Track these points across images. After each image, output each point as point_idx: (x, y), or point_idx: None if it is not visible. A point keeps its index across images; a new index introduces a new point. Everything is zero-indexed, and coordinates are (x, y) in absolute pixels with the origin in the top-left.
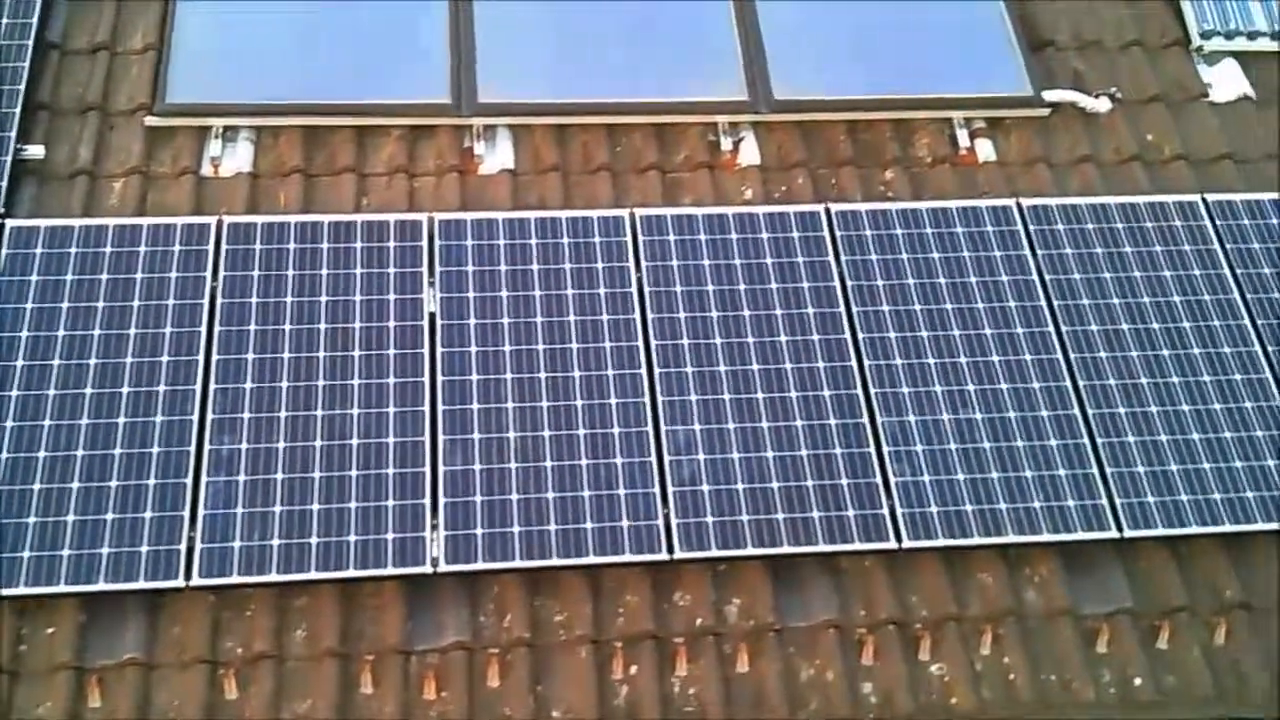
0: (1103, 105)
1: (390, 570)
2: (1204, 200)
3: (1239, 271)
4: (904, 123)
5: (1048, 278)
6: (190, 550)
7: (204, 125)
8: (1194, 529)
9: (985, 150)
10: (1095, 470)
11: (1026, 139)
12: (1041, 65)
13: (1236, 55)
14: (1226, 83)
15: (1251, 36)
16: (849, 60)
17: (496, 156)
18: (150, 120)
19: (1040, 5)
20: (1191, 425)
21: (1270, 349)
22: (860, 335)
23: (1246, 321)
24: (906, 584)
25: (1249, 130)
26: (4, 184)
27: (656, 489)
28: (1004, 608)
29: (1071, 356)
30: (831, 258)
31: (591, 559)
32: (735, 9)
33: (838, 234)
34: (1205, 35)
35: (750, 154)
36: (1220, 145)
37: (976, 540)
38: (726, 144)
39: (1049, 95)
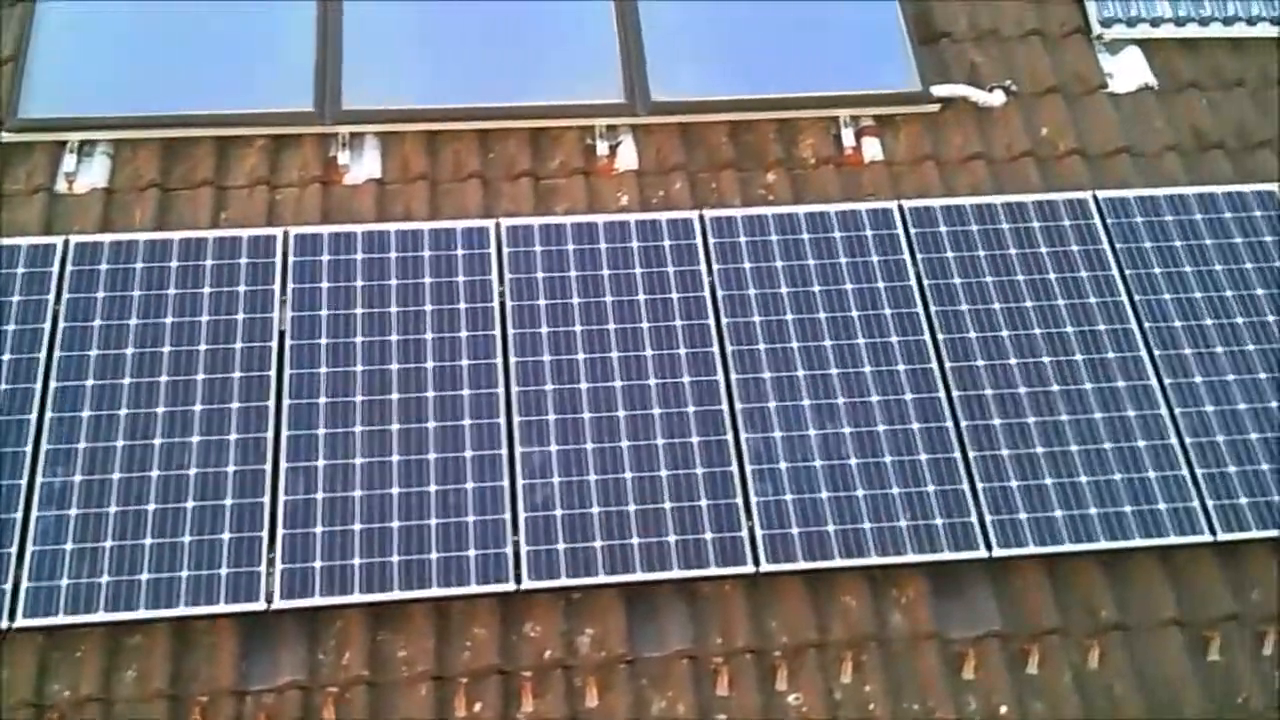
0: (997, 99)
1: (223, 607)
2: (1095, 198)
3: (1128, 273)
4: (788, 123)
5: (926, 283)
6: (15, 589)
7: (59, 140)
8: (1068, 546)
9: (872, 149)
10: (966, 486)
11: (915, 137)
12: (935, 58)
13: (1140, 43)
14: (1128, 72)
15: (1155, 23)
16: (732, 59)
17: (363, 166)
18: (3, 136)
19: None
20: (1070, 437)
21: (1156, 353)
22: (729, 348)
23: (1134, 325)
24: (766, 609)
25: (1148, 122)
26: None
27: (508, 515)
28: (867, 632)
29: (947, 366)
30: (703, 266)
31: (436, 591)
32: (616, 9)
33: (711, 242)
34: (1106, 23)
35: (628, 158)
36: (1117, 139)
37: (839, 562)
38: (603, 148)
39: (938, 90)
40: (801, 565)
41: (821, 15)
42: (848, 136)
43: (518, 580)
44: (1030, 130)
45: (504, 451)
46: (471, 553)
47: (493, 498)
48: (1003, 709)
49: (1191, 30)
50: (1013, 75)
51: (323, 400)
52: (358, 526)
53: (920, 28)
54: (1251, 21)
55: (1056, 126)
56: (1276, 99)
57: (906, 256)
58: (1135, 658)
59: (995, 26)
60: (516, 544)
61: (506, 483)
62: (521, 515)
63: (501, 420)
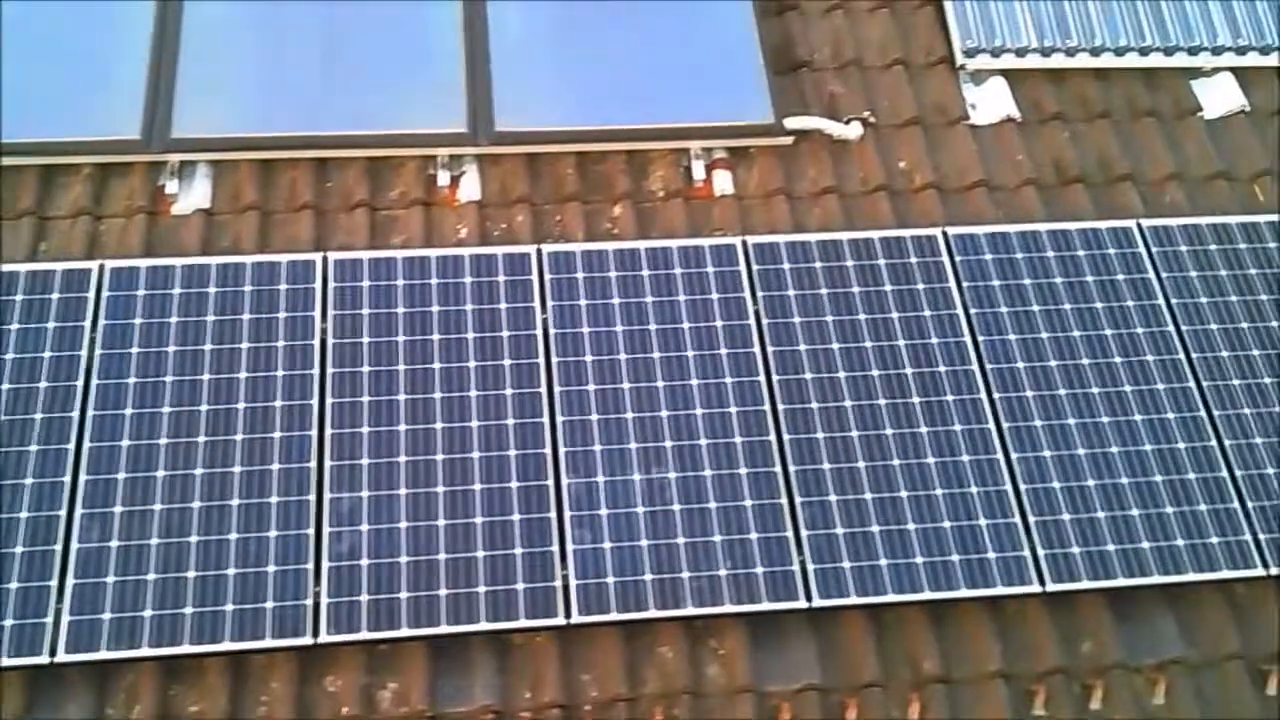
0: (853, 131)
1: (6, 660)
2: (944, 234)
3: (973, 312)
4: (639, 154)
5: (765, 322)
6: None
7: None
8: (892, 596)
9: (723, 183)
10: (790, 533)
11: (768, 170)
12: (794, 89)
13: (1005, 74)
14: (991, 103)
15: (1020, 53)
16: (583, 88)
17: (192, 196)
18: None
19: (798, 22)
20: (901, 482)
21: (997, 397)
22: (557, 389)
23: (975, 367)
24: (578, 662)
25: (1008, 155)
26: None
27: (310, 564)
28: (681, 685)
29: (780, 408)
30: (538, 303)
31: (229, 645)
32: (464, 35)
33: (547, 278)
34: (970, 53)
35: (470, 189)
36: (975, 172)
37: (656, 613)
38: (445, 179)
39: (792, 123)
40: (616, 616)
41: (677, 45)
42: (698, 169)
43: (315, 633)
44: (887, 163)
45: (312, 497)
46: (270, 605)
47: (296, 546)
48: None
49: (1058, 61)
50: (873, 106)
51: (126, 443)
52: (151, 576)
53: (780, 57)
54: (1119, 52)
55: (914, 159)
56: (1141, 131)
57: (747, 294)
58: (957, 711)
59: (858, 56)
60: (318, 595)
61: (312, 530)
62: (325, 565)
63: (312, 464)
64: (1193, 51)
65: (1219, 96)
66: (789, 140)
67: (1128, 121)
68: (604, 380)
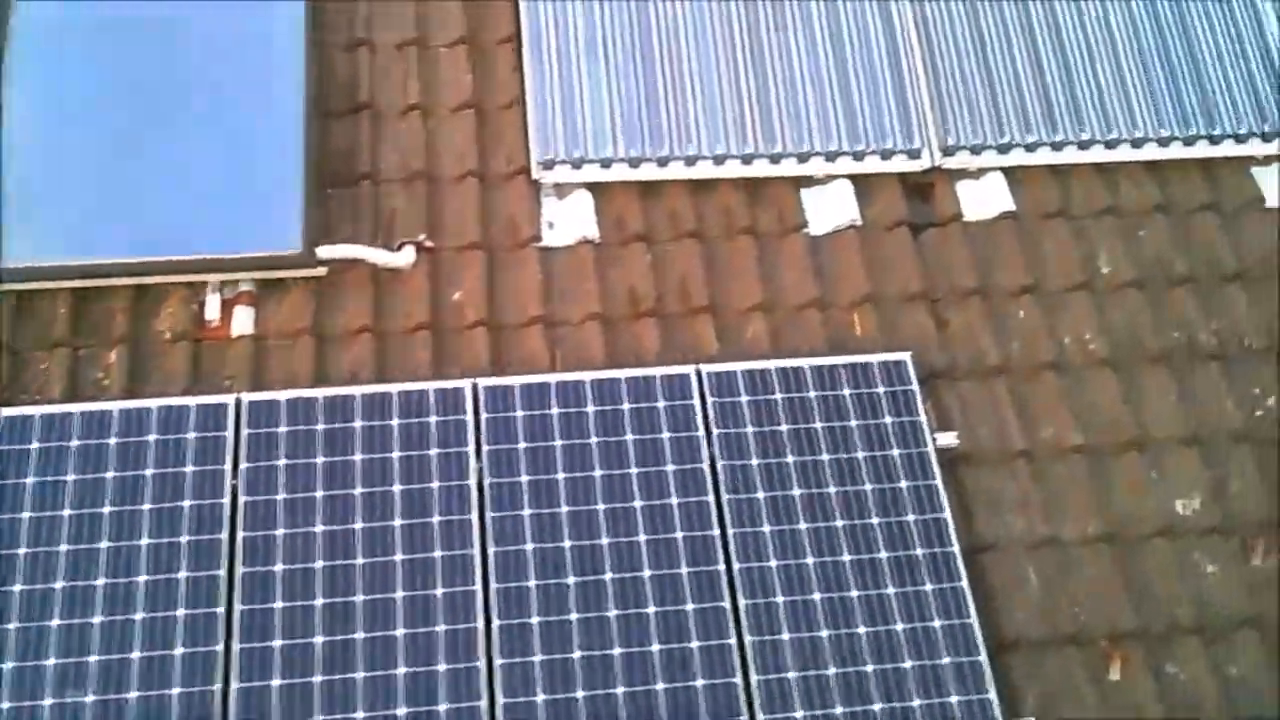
0: (404, 258)
1: None
2: (475, 386)
3: (488, 482)
4: (149, 290)
5: (242, 500)
6: None
7: None
8: None
9: (242, 322)
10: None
11: (298, 306)
12: (348, 206)
13: (591, 188)
14: (570, 222)
15: (606, 165)
16: (92, 215)
17: None
18: None
19: (367, 126)
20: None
21: (494, 572)
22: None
23: (476, 551)
24: None
25: (577, 283)
26: None
27: None
28: None
29: (237, 609)
30: None
31: None
32: None
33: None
34: (548, 164)
35: None
36: (535, 305)
37: None
38: None
39: (326, 251)
40: None
41: (212, 161)
42: (213, 307)
43: None
44: (439, 295)
45: None
46: None
47: None
48: None
49: (648, 172)
50: (438, 225)
51: None
52: None
53: (339, 169)
54: (718, 160)
55: (471, 291)
56: (734, 252)
57: (228, 465)
58: None
59: (429, 166)
60: None
61: None
62: None
63: None
64: (803, 158)
65: (829, 209)
66: (322, 271)
67: (721, 241)
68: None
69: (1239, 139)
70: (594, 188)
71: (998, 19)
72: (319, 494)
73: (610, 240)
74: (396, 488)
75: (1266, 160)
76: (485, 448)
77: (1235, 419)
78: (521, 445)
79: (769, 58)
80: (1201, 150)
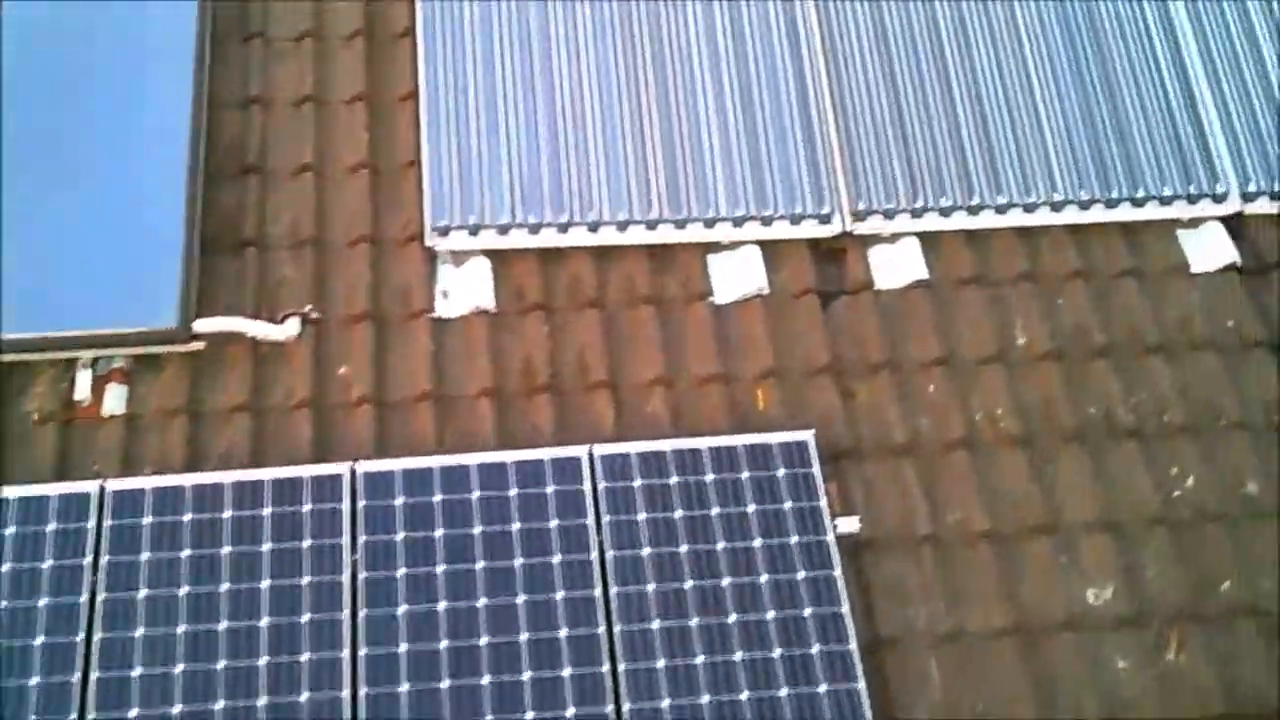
0: (287, 331)
1: None
2: (353, 471)
3: (362, 577)
4: (15, 368)
5: (100, 598)
6: None
7: None
8: None
9: (114, 401)
10: None
11: (174, 383)
12: (233, 276)
13: (490, 254)
14: (466, 291)
15: (503, 230)
16: None
17: None
18: None
19: (256, 189)
20: None
21: (363, 654)
22: None
23: (345, 654)
24: None
25: (470, 357)
26: None
27: None
28: None
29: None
30: None
31: None
32: None
33: None
34: (442, 231)
35: None
36: (423, 380)
37: None
38: None
39: (204, 325)
40: None
41: (83, 226)
42: (84, 385)
43: None
44: (323, 370)
45: None
46: None
47: None
48: None
49: (549, 238)
50: (327, 294)
51: None
52: None
53: (224, 235)
54: (621, 227)
55: (359, 365)
56: (636, 322)
57: (88, 560)
58: None
59: (318, 232)
60: None
61: None
62: None
63: None
64: (710, 224)
65: (736, 276)
66: (200, 346)
67: (623, 310)
68: None
69: (1164, 201)
70: (493, 254)
71: (914, 77)
72: (183, 590)
73: (507, 310)
74: (265, 583)
75: (1192, 223)
76: (362, 538)
77: (1152, 501)
78: (400, 535)
79: (676, 118)
80: (1124, 213)
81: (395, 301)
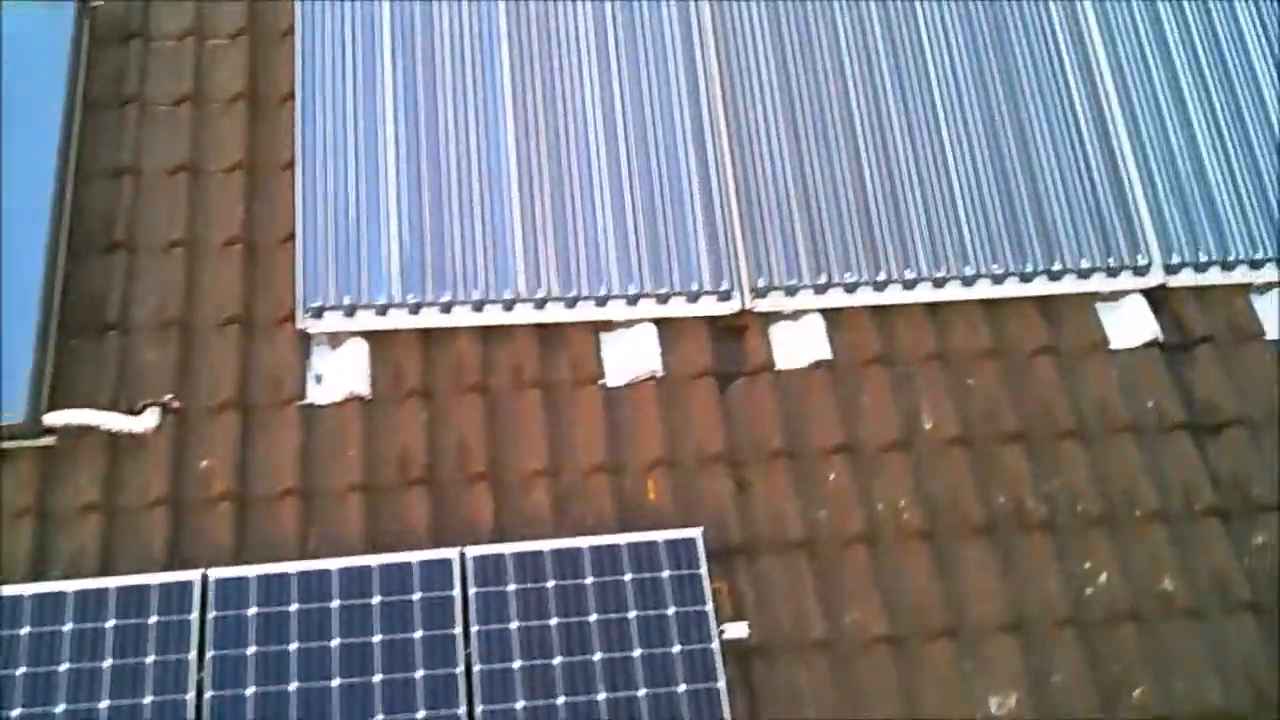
0: (145, 422)
1: None
2: (205, 577)
3: (208, 696)
4: None
5: None
6: None
7: None
8: None
9: None
10: None
11: (25, 480)
12: (91, 360)
13: (369, 336)
14: (341, 376)
15: (382, 311)
16: None
17: None
18: None
19: (122, 268)
20: None
21: None
22: None
23: None
24: None
25: (342, 448)
26: None
27: None
28: None
29: None
30: None
31: None
32: None
33: None
34: (315, 312)
35: None
36: (290, 474)
37: None
38: None
39: (55, 418)
40: None
41: None
42: None
43: None
44: (183, 464)
45: None
46: None
47: None
48: None
49: (428, 318)
50: (192, 380)
51: None
52: None
53: (82, 317)
54: (508, 306)
55: (222, 457)
56: (521, 407)
57: None
58: None
59: (185, 314)
60: None
61: None
62: None
63: None
64: (602, 302)
65: (629, 357)
66: (51, 440)
67: (508, 395)
68: None
69: (1082, 274)
70: (370, 336)
71: (820, 146)
72: (16, 713)
73: (384, 396)
74: (104, 704)
75: (1113, 296)
76: (209, 653)
77: (1062, 600)
78: (251, 650)
79: (567, 186)
80: (1040, 287)
81: (264, 388)
